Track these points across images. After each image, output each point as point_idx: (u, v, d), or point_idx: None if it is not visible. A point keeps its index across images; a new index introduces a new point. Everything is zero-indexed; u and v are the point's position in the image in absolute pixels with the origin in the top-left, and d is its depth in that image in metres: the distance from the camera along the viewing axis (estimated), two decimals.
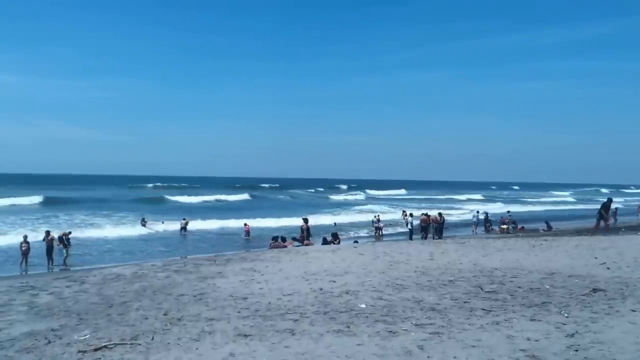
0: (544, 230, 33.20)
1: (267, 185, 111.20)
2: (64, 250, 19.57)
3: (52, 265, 18.99)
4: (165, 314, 8.40)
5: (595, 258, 14.11)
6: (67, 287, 11.23)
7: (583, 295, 9.14)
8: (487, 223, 35.22)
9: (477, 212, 36.05)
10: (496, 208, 53.80)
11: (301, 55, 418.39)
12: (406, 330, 7.02)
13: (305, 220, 22.35)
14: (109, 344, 6.79)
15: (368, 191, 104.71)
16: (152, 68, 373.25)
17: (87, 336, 7.28)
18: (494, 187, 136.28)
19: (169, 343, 6.80)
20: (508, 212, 38.32)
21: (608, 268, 12.28)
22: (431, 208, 41.45)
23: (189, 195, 65.25)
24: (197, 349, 6.52)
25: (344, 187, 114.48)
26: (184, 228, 30.48)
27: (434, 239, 26.82)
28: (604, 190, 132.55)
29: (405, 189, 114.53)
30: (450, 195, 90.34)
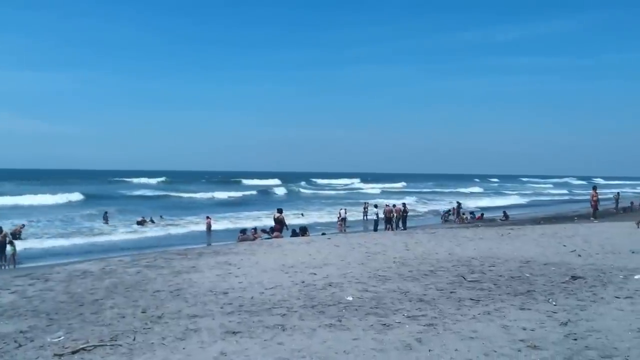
0: (501, 219, 34.05)
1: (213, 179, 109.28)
2: (11, 247, 18.45)
3: (4, 262, 18.07)
4: (143, 312, 7.97)
5: (564, 246, 14.39)
6: (30, 285, 10.58)
7: (564, 282, 9.22)
8: (456, 214, 36.00)
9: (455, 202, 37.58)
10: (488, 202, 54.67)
11: (262, 47, 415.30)
12: (399, 322, 6.85)
13: (280, 211, 22.00)
14: (87, 346, 6.35)
15: (319, 181, 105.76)
16: (103, 57, 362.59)
17: (61, 338, 6.81)
18: (477, 180, 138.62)
19: (152, 343, 6.42)
20: (458, 202, 39.37)
21: (579, 255, 12.50)
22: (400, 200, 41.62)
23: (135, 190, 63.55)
24: (184, 348, 6.17)
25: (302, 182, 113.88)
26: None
27: (398, 229, 27.06)
28: (576, 182, 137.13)
29: (365, 180, 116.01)
30: (458, 187, 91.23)
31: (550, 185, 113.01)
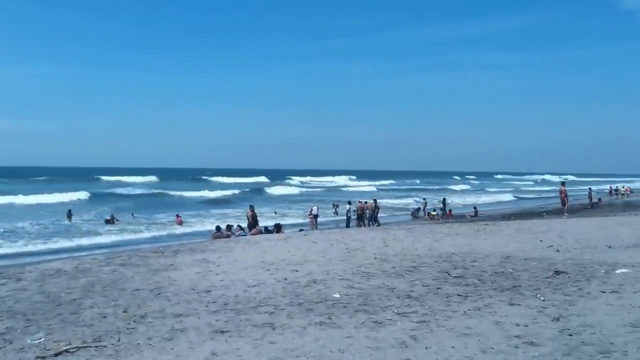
0: (471, 215, 34.57)
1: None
2: None
3: None
4: (125, 311, 7.70)
5: (541, 241, 14.56)
6: (1, 285, 10.14)
7: (547, 277, 9.28)
8: (419, 210, 36.59)
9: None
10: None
11: (217, 46, 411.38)
12: (391, 320, 6.77)
13: (252, 208, 21.76)
14: (70, 348, 6.07)
15: (309, 179, 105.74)
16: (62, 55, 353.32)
17: (42, 339, 6.50)
18: (457, 177, 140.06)
19: (138, 344, 6.18)
20: (424, 198, 40.12)
21: (557, 250, 12.65)
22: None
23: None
24: (172, 349, 5.95)
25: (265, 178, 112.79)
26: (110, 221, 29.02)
27: (371, 225, 27.14)
28: (553, 178, 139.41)
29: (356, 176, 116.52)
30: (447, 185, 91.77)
31: (531, 182, 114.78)
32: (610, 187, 56.38)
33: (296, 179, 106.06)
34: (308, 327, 6.59)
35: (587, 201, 38.00)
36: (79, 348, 6.08)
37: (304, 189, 75.27)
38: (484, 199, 57.54)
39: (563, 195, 29.15)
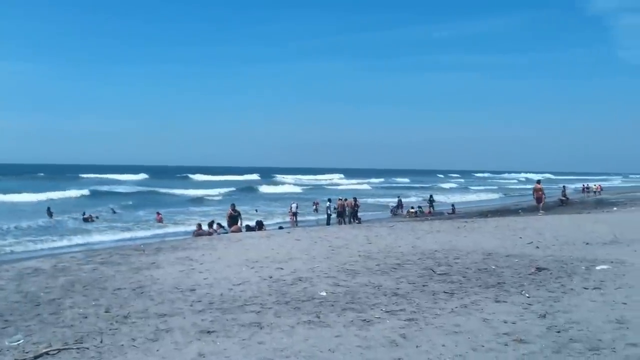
0: (448, 213, 34.91)
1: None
2: None
3: None
4: (107, 312, 7.52)
5: (520, 238, 14.71)
6: None
7: (530, 274, 9.36)
8: (399, 207, 36.87)
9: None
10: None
11: (203, 39, 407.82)
12: (379, 318, 6.73)
13: (232, 207, 21.58)
14: (50, 350, 5.90)
15: (300, 177, 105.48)
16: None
17: (21, 341, 6.31)
18: (441, 176, 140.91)
19: (122, 345, 6.03)
20: (398, 196, 40.67)
21: (537, 247, 12.79)
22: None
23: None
24: (157, 350, 5.83)
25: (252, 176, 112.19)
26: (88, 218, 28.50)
27: (351, 222, 27.19)
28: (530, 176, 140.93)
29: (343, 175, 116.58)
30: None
31: (515, 181, 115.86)
32: (583, 185, 57.44)
33: (288, 177, 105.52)
34: (296, 326, 6.52)
35: (559, 199, 38.61)
36: (59, 350, 5.91)
37: (293, 187, 74.25)
38: (473, 196, 58.16)
39: (540, 193, 29.67)
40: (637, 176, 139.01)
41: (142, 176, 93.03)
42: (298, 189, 68.72)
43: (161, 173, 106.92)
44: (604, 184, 65.37)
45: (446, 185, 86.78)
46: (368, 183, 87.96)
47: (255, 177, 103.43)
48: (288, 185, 76.63)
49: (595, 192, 51.73)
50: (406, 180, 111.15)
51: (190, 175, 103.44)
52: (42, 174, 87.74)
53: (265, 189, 67.41)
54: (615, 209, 29.56)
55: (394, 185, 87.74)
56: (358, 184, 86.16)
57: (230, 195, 50.86)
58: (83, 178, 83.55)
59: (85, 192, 49.98)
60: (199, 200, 46.86)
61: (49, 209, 30.58)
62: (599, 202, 37.89)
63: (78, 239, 21.90)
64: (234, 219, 21.05)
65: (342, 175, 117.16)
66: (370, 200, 46.37)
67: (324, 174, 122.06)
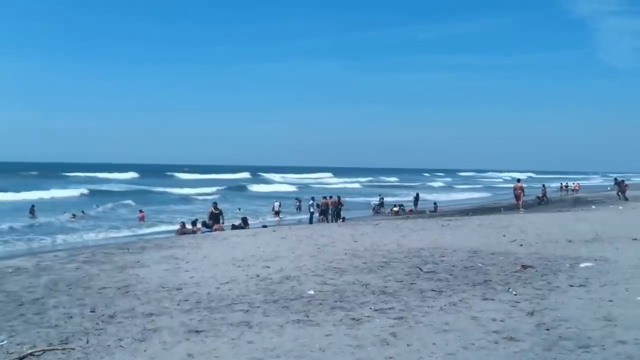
0: (430, 211, 35.18)
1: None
2: None
3: None
4: (92, 311, 7.40)
5: (504, 236, 14.84)
6: None
7: (516, 272, 9.43)
8: (380, 206, 37.15)
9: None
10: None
11: (199, 40, 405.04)
12: (369, 316, 6.72)
13: (214, 205, 21.43)
14: (35, 351, 5.78)
15: (288, 176, 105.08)
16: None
17: (4, 342, 6.17)
18: (427, 174, 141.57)
19: (109, 345, 5.94)
20: (380, 195, 41.20)
21: (521, 245, 12.90)
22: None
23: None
24: (145, 350, 5.75)
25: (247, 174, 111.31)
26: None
27: (335, 221, 27.24)
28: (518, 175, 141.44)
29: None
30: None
31: (501, 180, 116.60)
32: (561, 184, 58.26)
33: (276, 176, 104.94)
34: (285, 325, 6.48)
35: (537, 197, 39.11)
36: (44, 351, 5.80)
37: (282, 186, 73.68)
38: (465, 195, 58.91)
39: (519, 191, 30.07)
40: (616, 175, 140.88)
41: (131, 175, 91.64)
42: (287, 188, 68.66)
43: (151, 172, 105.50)
44: (583, 183, 66.40)
45: (435, 184, 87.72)
46: (357, 182, 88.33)
47: (246, 175, 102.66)
48: (277, 184, 76.47)
49: (573, 190, 52.53)
50: (395, 179, 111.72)
51: (181, 174, 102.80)
52: (34, 172, 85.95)
53: (254, 187, 67.25)
54: (594, 207, 29.99)
55: (384, 184, 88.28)
56: (346, 182, 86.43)
57: (216, 194, 50.38)
58: (73, 177, 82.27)
59: (75, 191, 49.52)
60: (186, 199, 46.47)
61: (32, 207, 30.10)
62: (577, 201, 38.47)
63: (60, 238, 21.61)
64: (215, 217, 20.87)
65: (331, 174, 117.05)
66: (356, 199, 46.45)
67: (314, 172, 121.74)
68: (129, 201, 39.52)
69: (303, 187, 72.33)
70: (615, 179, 40.22)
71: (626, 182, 37.71)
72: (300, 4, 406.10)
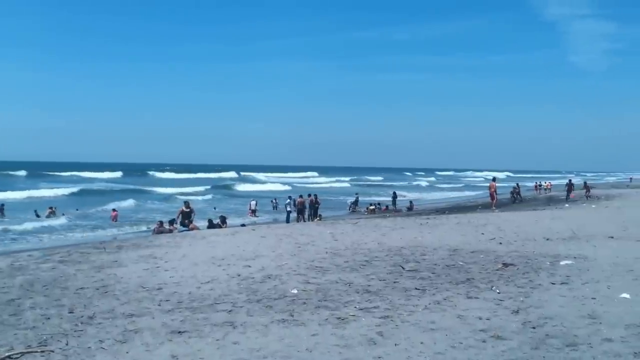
0: (407, 208, 35.45)
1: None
2: None
3: None
4: (70, 312, 7.21)
5: (482, 234, 14.96)
6: None
7: (497, 270, 9.50)
8: (356, 205, 37.32)
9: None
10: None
11: (176, 38, 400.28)
12: (354, 315, 6.67)
13: (186, 204, 21.12)
14: (13, 354, 5.59)
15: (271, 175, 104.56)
16: None
17: None
18: (408, 174, 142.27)
19: (89, 347, 5.77)
20: (356, 193, 41.54)
21: (500, 243, 13.01)
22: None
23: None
24: (127, 352, 5.60)
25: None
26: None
27: (311, 219, 27.18)
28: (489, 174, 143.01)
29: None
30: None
31: (482, 179, 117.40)
32: (536, 183, 59.13)
33: (260, 175, 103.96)
34: (270, 325, 6.39)
35: (510, 196, 39.68)
36: (23, 353, 5.62)
37: (266, 186, 72.74)
38: (452, 194, 59.53)
39: (492, 190, 30.45)
40: (590, 174, 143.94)
41: (117, 174, 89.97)
42: (272, 187, 68.21)
43: (136, 170, 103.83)
44: (556, 183, 67.43)
45: (422, 183, 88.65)
46: (341, 181, 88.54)
47: (232, 174, 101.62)
48: (261, 184, 75.79)
49: (546, 189, 53.34)
50: (380, 178, 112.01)
51: (166, 174, 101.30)
52: (22, 172, 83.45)
53: (239, 187, 66.71)
54: (567, 205, 30.54)
55: (368, 183, 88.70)
56: (331, 181, 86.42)
57: (208, 195, 49.74)
58: (57, 176, 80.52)
59: (57, 191, 48.33)
60: (167, 198, 45.70)
61: (2, 205, 29.33)
62: (550, 199, 39.14)
63: (32, 238, 21.08)
64: (186, 215, 20.53)
65: (316, 173, 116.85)
66: (333, 198, 46.45)
67: (299, 171, 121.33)
68: (111, 201, 38.79)
69: (290, 185, 72.09)
70: (569, 180, 41.58)
71: (587, 183, 39.59)
72: (276, 4, 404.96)
